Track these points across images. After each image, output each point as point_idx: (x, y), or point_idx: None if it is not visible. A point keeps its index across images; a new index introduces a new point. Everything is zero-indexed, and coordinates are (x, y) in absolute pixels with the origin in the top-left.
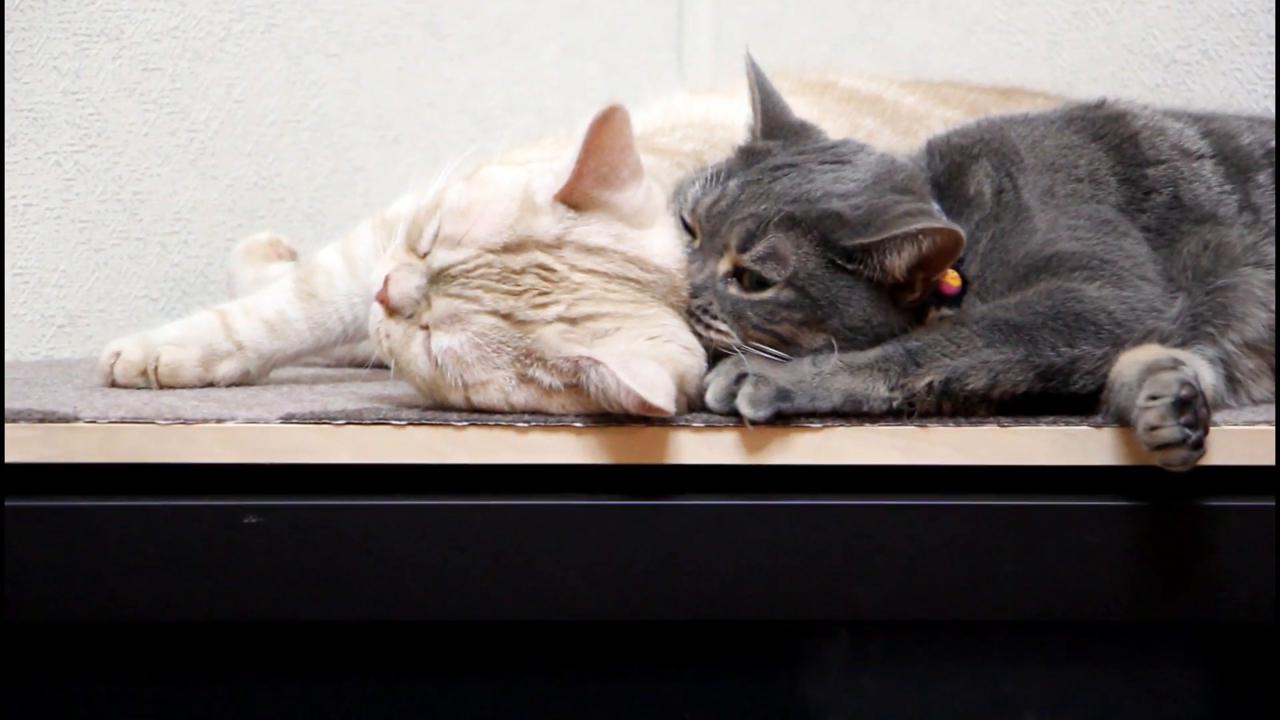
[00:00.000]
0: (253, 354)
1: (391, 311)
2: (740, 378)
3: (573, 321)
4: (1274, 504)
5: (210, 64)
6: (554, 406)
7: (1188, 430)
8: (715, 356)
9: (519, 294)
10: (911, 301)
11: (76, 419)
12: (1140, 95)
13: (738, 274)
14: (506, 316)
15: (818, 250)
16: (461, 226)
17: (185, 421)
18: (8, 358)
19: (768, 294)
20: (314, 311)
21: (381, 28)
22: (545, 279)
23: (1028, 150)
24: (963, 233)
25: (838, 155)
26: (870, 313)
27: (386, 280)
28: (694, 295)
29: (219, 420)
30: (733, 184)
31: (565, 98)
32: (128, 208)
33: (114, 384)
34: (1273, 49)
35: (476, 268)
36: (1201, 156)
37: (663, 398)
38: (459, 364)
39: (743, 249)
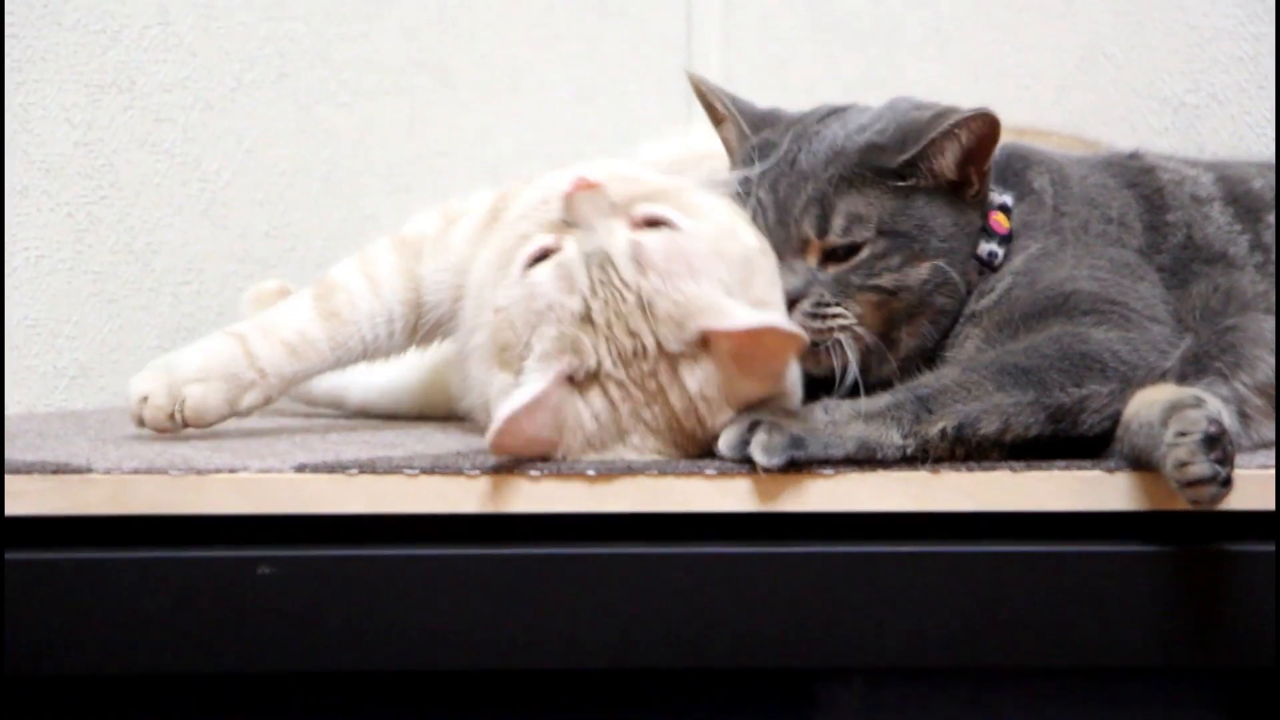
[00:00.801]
0: (275, 380)
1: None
2: (753, 425)
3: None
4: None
5: (221, 114)
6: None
7: (1218, 466)
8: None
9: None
10: (974, 196)
11: (90, 470)
12: (1149, 138)
13: (829, 256)
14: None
15: (879, 188)
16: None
17: (198, 472)
18: (21, 409)
19: (864, 253)
20: (336, 331)
21: (391, 76)
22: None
23: (1077, 181)
24: (995, 114)
25: (829, 110)
26: (953, 216)
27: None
28: (795, 301)
29: (232, 471)
30: (762, 192)
31: (576, 143)
32: (140, 258)
33: (142, 423)
34: None
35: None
36: (1211, 200)
37: None
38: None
39: (823, 233)
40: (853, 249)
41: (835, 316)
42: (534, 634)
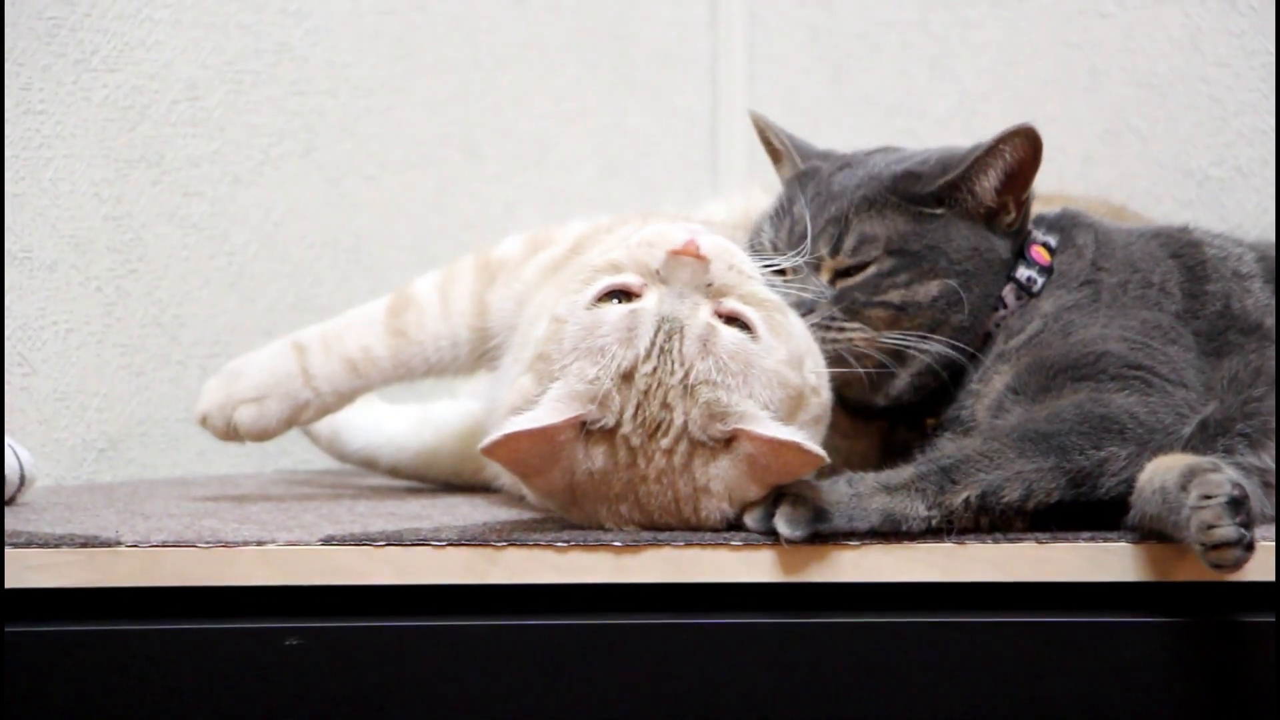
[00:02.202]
0: (331, 398)
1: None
2: (778, 498)
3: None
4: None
5: (249, 188)
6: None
7: (1243, 530)
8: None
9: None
10: (1009, 225)
11: (118, 543)
12: (1174, 211)
13: (842, 274)
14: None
15: (902, 212)
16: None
17: (226, 544)
18: (49, 482)
19: (870, 271)
20: (401, 350)
21: (418, 150)
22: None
23: (1121, 246)
24: (1037, 130)
25: (887, 149)
26: (975, 241)
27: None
28: (807, 313)
29: (259, 543)
30: (797, 208)
31: (602, 214)
32: (168, 331)
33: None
34: None
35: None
36: (1252, 276)
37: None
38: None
39: (835, 252)
40: (861, 267)
41: (854, 331)
42: (560, 704)
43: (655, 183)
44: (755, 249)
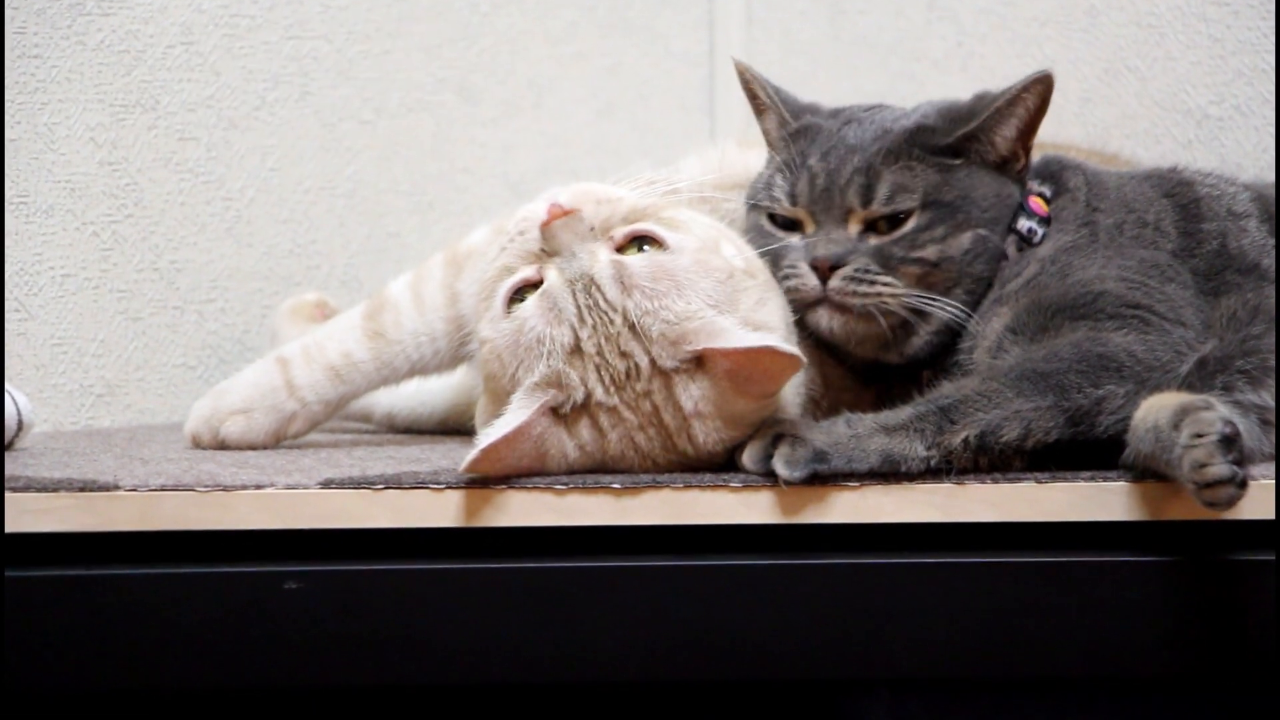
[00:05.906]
0: (318, 406)
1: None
2: (777, 439)
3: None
4: (1275, 558)
5: (245, 133)
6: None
7: (1235, 468)
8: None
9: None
10: (1019, 172)
11: (117, 487)
12: (1173, 151)
13: (870, 227)
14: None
15: (927, 163)
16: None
17: (225, 488)
18: (48, 427)
19: (909, 225)
20: (382, 351)
21: (415, 94)
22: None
23: (1114, 188)
24: (1053, 77)
25: (880, 106)
26: (996, 187)
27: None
28: (836, 267)
29: (258, 487)
30: (814, 160)
31: (598, 159)
32: (165, 276)
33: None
34: None
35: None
36: (1248, 216)
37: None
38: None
39: (867, 202)
40: (895, 220)
41: (887, 285)
42: (560, 647)
43: (652, 126)
44: (759, 204)
